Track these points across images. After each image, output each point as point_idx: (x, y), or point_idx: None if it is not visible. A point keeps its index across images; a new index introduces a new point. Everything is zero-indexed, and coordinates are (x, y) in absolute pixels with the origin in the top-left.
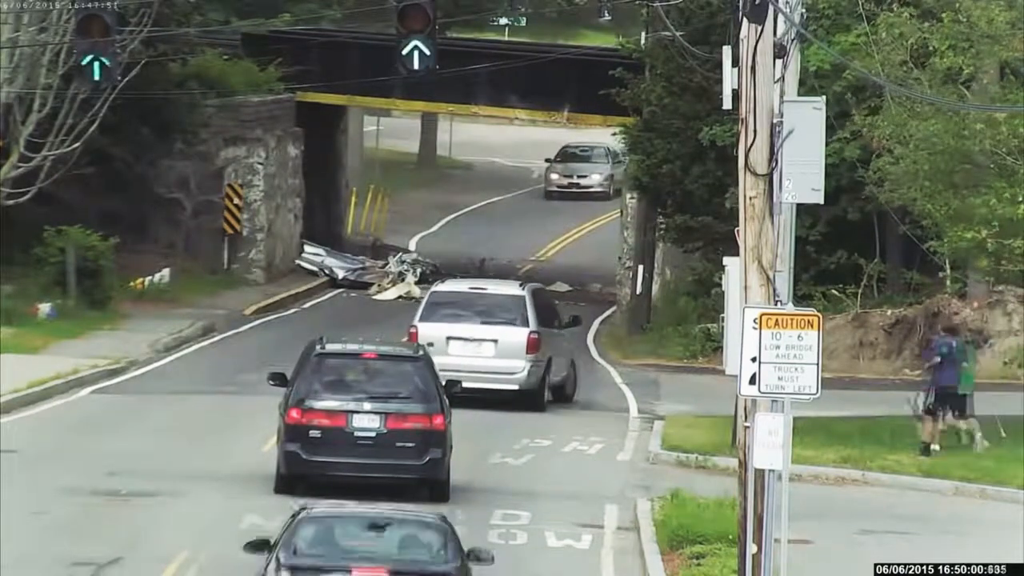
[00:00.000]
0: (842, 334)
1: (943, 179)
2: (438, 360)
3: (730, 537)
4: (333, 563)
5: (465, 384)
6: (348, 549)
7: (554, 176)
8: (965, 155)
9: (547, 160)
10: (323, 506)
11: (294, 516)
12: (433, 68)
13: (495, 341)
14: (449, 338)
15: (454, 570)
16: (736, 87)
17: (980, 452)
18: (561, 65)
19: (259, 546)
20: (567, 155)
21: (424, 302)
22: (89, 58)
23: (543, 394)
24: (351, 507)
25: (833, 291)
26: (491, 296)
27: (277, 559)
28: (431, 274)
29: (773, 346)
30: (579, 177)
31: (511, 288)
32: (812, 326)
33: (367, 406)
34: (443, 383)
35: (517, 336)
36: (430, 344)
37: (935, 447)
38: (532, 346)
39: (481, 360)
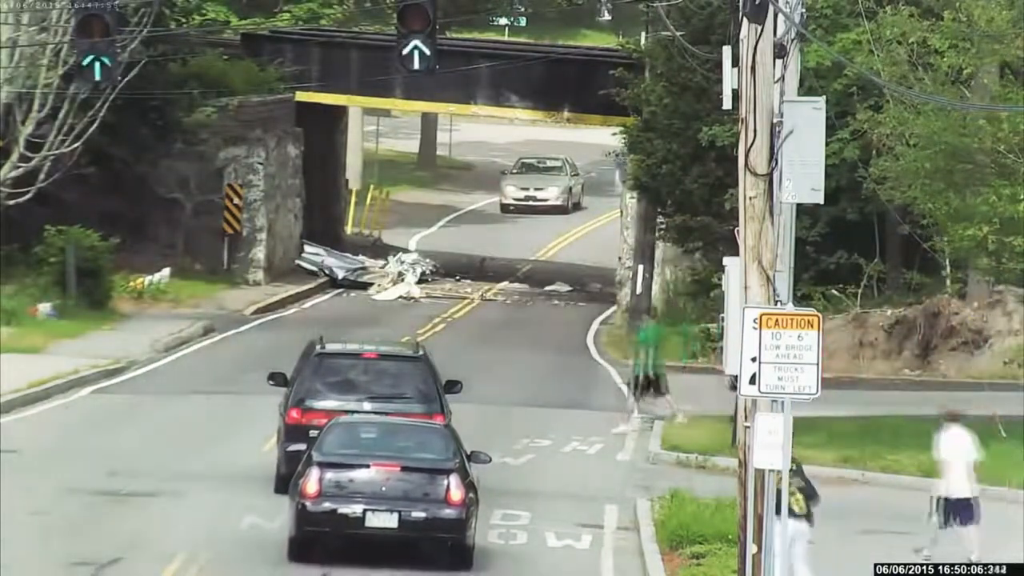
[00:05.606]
0: (842, 334)
1: (944, 177)
2: None
3: (730, 537)
4: (356, 460)
5: None
6: (368, 448)
7: (509, 189)
8: (966, 153)
9: (503, 173)
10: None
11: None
12: (433, 68)
13: None
14: None
15: (454, 466)
16: (736, 87)
17: (681, 423)
18: (561, 65)
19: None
20: (524, 167)
21: None
22: (89, 58)
23: None
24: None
25: (833, 291)
26: None
27: (310, 456)
28: (431, 274)
29: (773, 346)
30: (535, 190)
31: None
32: (812, 326)
33: (367, 406)
34: (443, 383)
35: None
36: None
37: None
38: None
39: None
